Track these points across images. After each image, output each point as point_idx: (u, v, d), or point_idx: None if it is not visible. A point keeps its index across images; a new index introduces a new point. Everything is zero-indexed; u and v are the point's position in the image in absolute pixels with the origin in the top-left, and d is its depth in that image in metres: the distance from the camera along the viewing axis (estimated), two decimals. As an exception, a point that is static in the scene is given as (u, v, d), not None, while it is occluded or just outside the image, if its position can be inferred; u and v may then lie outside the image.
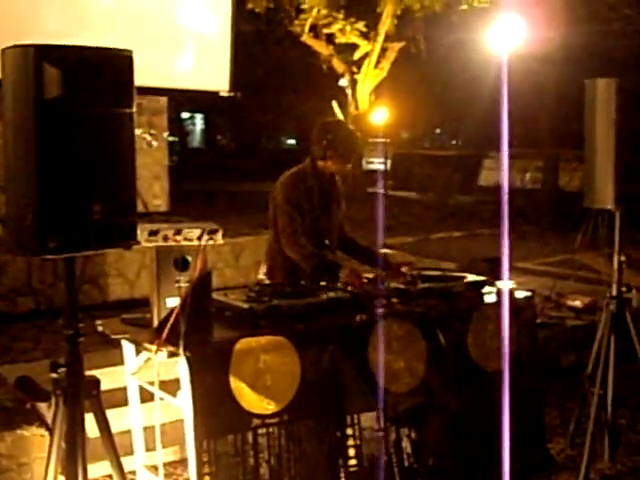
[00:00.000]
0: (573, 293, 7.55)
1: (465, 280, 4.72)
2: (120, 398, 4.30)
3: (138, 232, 3.64)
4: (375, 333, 4.08)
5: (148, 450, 4.16)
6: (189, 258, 3.72)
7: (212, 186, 21.44)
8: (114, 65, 2.90)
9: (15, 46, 2.73)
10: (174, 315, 3.53)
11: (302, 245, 4.77)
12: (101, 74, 2.85)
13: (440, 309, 4.41)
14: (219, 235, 3.77)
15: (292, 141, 37.83)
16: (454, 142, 34.27)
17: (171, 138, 34.64)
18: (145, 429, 4.19)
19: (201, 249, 3.71)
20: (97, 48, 2.87)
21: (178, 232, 3.68)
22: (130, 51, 2.94)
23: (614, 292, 4.69)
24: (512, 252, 4.70)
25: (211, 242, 3.73)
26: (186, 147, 35.31)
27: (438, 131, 35.80)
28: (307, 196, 4.85)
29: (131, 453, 4.17)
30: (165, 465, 4.56)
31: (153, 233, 3.66)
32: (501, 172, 19.42)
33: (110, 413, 4.38)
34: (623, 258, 4.66)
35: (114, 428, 4.28)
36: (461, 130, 31.12)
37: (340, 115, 20.86)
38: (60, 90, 2.73)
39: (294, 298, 4.14)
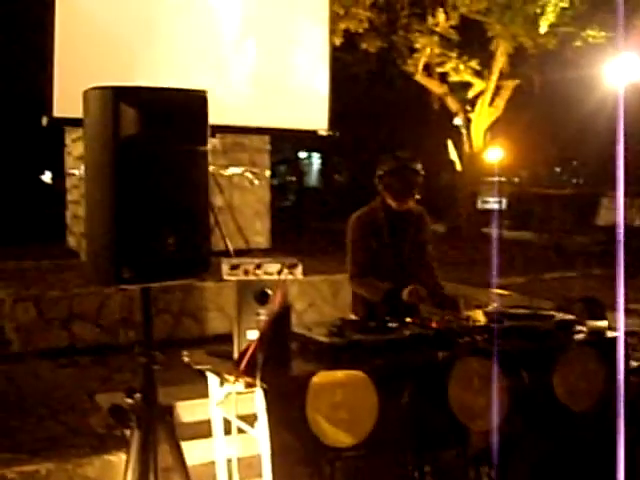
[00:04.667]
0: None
1: (553, 319, 4.65)
2: (206, 430, 4.40)
3: (221, 266, 3.79)
4: (456, 370, 4.07)
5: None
6: (269, 292, 3.80)
7: (328, 225, 21.63)
8: (188, 105, 3.04)
9: (95, 88, 2.90)
10: (252, 347, 3.62)
11: (366, 282, 4.90)
12: (176, 113, 3.00)
13: (525, 348, 4.36)
14: (299, 270, 3.85)
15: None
16: (575, 181, 33.57)
17: (287, 178, 35.34)
18: (229, 461, 4.28)
19: (281, 283, 3.79)
20: (172, 89, 3.01)
21: (258, 266, 3.78)
22: (204, 91, 3.07)
23: None
24: (626, 293, 4.60)
25: (290, 277, 3.81)
26: (303, 186, 35.79)
27: (558, 169, 35.21)
28: (377, 233, 4.93)
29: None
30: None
31: (234, 267, 3.77)
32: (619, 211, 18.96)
33: (196, 444, 4.56)
34: None
35: (199, 459, 4.43)
36: (580, 168, 30.54)
37: (455, 155, 20.85)
38: (136, 129, 2.88)
39: (376, 333, 4.17)
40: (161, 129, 2.95)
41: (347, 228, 5.00)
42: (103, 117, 2.87)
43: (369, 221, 4.95)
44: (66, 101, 6.60)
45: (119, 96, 2.86)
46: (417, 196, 4.94)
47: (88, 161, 2.97)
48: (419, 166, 4.92)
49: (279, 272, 3.79)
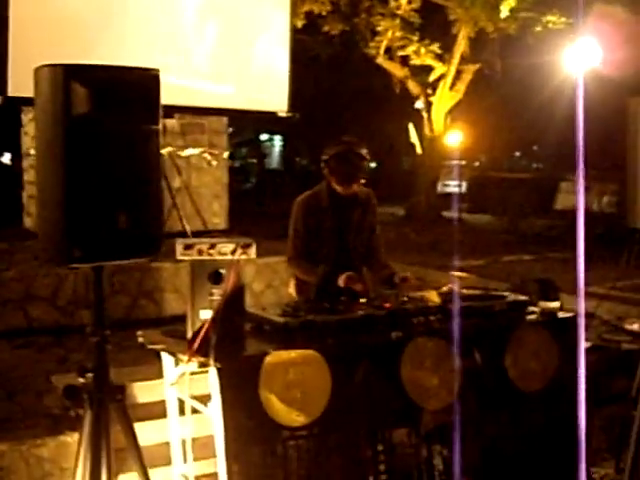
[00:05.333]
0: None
1: (506, 299, 4.70)
2: (161, 410, 4.41)
3: (175, 246, 3.78)
4: (409, 350, 4.11)
5: (195, 460, 4.21)
6: (223, 272, 3.80)
7: (289, 207, 21.57)
8: (141, 84, 3.02)
9: (45, 65, 2.88)
10: (206, 327, 3.63)
11: (302, 264, 5.00)
12: (128, 92, 2.98)
13: (478, 328, 4.41)
14: (252, 250, 3.85)
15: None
16: (534, 165, 33.85)
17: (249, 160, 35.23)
18: (184, 441, 4.28)
19: (234, 263, 3.79)
20: (124, 67, 3.00)
21: (212, 246, 3.78)
22: (157, 70, 3.06)
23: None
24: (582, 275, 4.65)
25: (244, 256, 3.81)
26: (264, 168, 35.73)
27: (518, 154, 35.47)
28: (319, 218, 4.95)
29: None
30: (205, 476, 4.66)
31: (188, 247, 3.76)
32: (577, 195, 19.15)
33: (151, 425, 4.56)
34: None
35: (154, 440, 4.44)
36: (539, 153, 30.79)
37: (415, 138, 20.92)
38: (88, 107, 2.87)
39: (329, 314, 4.19)
40: (113, 108, 2.93)
41: (291, 210, 5.03)
42: (54, 95, 2.85)
43: (313, 204, 4.97)
44: (21, 80, 6.51)
45: (70, 74, 2.84)
46: (362, 180, 4.94)
47: (39, 140, 2.95)
48: (364, 151, 4.90)
49: (233, 252, 3.79)
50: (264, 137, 36.39)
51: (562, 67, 15.39)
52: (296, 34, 10.41)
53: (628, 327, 7.06)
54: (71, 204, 2.87)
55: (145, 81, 3.05)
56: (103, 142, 2.92)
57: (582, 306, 4.75)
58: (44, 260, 3.02)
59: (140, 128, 3.02)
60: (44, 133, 2.92)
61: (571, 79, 14.48)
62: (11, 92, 6.92)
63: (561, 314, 4.77)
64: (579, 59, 14.14)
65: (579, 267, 4.55)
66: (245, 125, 29.93)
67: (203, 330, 3.62)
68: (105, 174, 2.93)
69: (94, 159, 2.91)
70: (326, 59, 20.48)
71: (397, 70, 19.41)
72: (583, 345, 4.77)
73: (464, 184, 22.50)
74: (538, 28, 16.04)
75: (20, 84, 6.67)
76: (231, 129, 9.53)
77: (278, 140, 37.50)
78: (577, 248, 4.56)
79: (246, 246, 3.82)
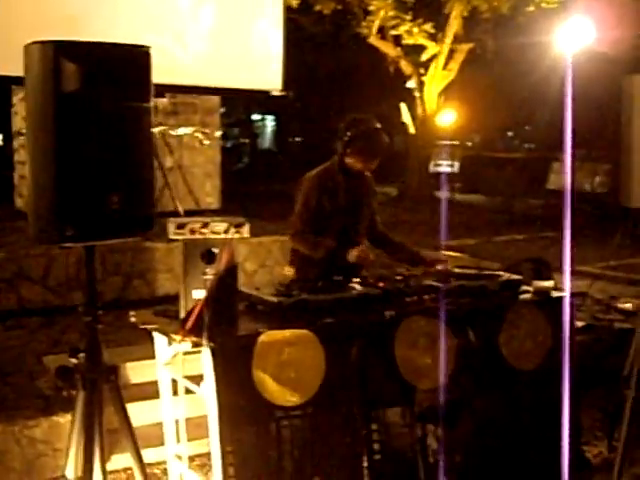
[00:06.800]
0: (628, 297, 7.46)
1: (500, 279, 4.69)
2: (154, 391, 4.39)
3: (168, 225, 3.76)
4: (403, 329, 4.10)
5: (188, 440, 4.21)
6: (216, 251, 3.78)
7: (281, 187, 21.55)
8: (132, 61, 2.98)
9: (35, 42, 2.84)
10: (199, 307, 3.61)
11: (308, 237, 4.89)
12: (118, 69, 2.94)
13: (472, 307, 4.40)
14: (245, 229, 3.82)
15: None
16: (527, 145, 33.77)
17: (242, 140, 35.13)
18: (177, 421, 4.27)
19: (227, 242, 3.77)
20: (115, 44, 2.96)
21: (205, 225, 3.75)
22: (148, 47, 3.02)
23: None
24: (573, 255, 4.65)
25: (237, 235, 3.79)
26: (257, 148, 35.61)
27: (510, 134, 35.41)
28: (332, 195, 4.87)
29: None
30: (199, 456, 4.67)
31: (180, 226, 3.74)
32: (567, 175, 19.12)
33: (144, 405, 4.55)
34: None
35: (147, 420, 4.43)
36: (532, 133, 30.75)
37: (408, 117, 20.86)
38: (78, 84, 2.83)
39: (323, 293, 4.18)
40: (103, 85, 2.88)
41: (300, 186, 4.94)
42: (44, 72, 2.81)
43: (326, 181, 4.89)
44: (8, 58, 6.43)
45: (60, 51, 2.79)
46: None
47: (29, 117, 2.91)
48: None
49: (226, 231, 3.77)
50: (256, 117, 36.27)
51: (555, 47, 15.35)
52: (289, 13, 10.35)
53: (621, 306, 7.06)
54: (62, 182, 2.84)
55: (136, 58, 3.01)
56: (94, 120, 2.88)
57: (568, 284, 4.74)
58: (35, 239, 2.98)
59: (131, 106, 2.98)
60: (34, 111, 2.88)
61: (563, 58, 14.45)
62: (-2, 71, 6.84)
63: (554, 293, 4.76)
64: (571, 38, 14.09)
65: (566, 246, 4.56)
66: (237, 105, 29.83)
67: (196, 310, 3.60)
68: (96, 152, 2.90)
69: (85, 137, 2.87)
70: (318, 38, 20.40)
71: (390, 50, 19.35)
72: (569, 324, 4.76)
73: (456, 164, 22.39)
74: (531, 8, 16.00)
75: (7, 62, 6.58)
76: (223, 109, 9.45)
77: (270, 120, 37.36)
78: (564, 228, 4.57)
79: (239, 225, 3.80)
